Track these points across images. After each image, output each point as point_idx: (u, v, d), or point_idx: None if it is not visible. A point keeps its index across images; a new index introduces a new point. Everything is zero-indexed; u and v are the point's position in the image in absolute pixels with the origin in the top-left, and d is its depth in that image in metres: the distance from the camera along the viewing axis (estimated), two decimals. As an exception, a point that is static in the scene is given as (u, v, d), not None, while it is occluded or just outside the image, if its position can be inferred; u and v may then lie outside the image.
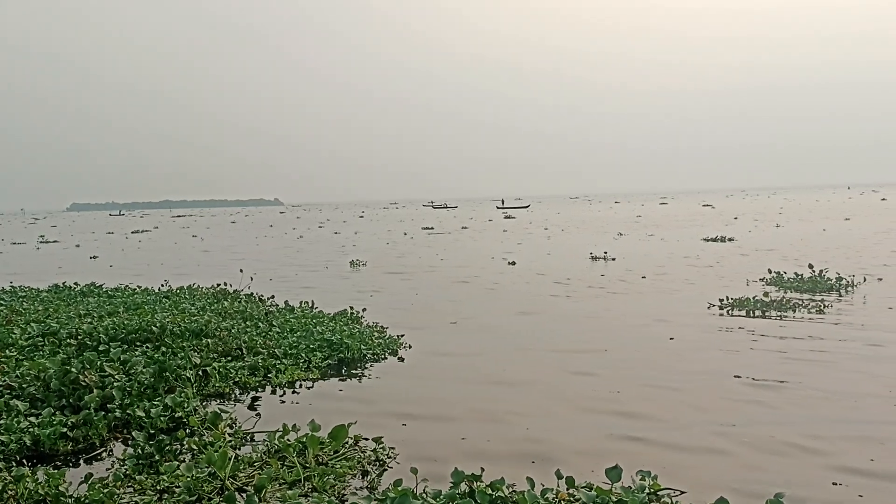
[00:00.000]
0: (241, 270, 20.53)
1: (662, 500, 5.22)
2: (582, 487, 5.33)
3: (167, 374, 8.13)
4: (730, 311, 13.27)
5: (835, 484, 5.60)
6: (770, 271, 17.16)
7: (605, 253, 25.41)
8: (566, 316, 13.74)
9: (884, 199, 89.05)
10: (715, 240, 31.55)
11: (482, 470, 5.41)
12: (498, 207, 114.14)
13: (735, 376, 8.75)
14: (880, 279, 16.86)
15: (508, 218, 72.91)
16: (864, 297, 14.39)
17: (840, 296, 14.71)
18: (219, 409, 7.16)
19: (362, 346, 10.26)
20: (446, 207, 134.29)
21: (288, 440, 6.26)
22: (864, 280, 16.24)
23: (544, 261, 25.24)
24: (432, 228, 54.23)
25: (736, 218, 54.41)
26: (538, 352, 10.62)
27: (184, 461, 5.98)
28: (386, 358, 10.23)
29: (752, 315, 12.80)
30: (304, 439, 6.08)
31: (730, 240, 31.44)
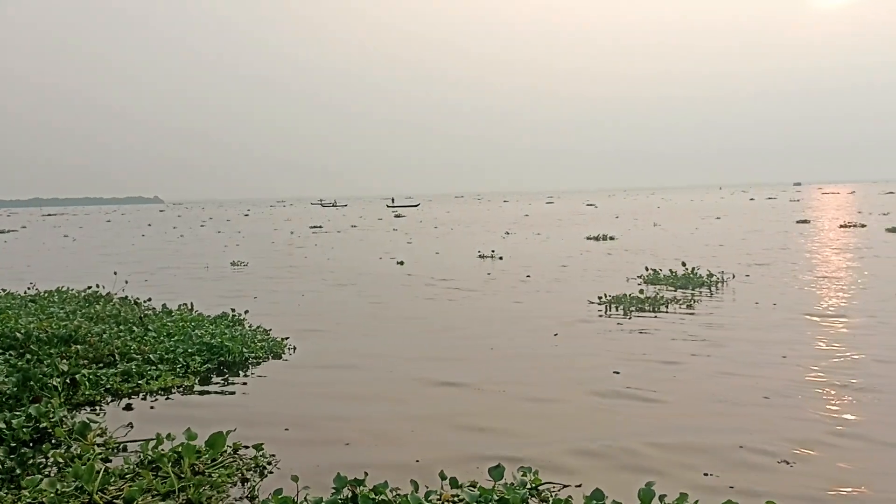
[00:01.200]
0: (116, 273, 19.56)
1: (543, 494, 5.31)
2: (466, 486, 5.35)
3: (31, 382, 7.63)
4: (608, 309, 13.73)
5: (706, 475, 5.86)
6: (647, 269, 17.88)
7: (493, 252, 25.81)
8: (450, 316, 13.81)
9: (752, 199, 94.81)
10: (597, 238, 32.65)
11: (366, 474, 5.33)
12: (388, 206, 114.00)
13: (614, 372, 9.03)
14: (747, 276, 17.88)
15: (399, 217, 72.92)
16: (734, 293, 15.22)
17: (711, 293, 15.49)
18: (88, 418, 6.76)
19: (244, 350, 9.95)
20: (335, 206, 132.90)
21: (162, 450, 5.96)
22: (734, 277, 17.19)
23: (433, 260, 25.36)
24: (321, 227, 53.53)
25: (617, 217, 56.53)
26: (421, 354, 10.63)
27: (49, 475, 5.61)
28: (269, 361, 9.97)
29: (628, 312, 13.29)
30: (180, 448, 5.81)
31: (611, 238, 32.61)
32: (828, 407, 7.48)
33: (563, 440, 6.65)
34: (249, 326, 11.71)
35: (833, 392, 7.98)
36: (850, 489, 5.51)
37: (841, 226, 36.44)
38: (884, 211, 50.97)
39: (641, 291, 14.66)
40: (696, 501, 4.83)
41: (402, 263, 23.71)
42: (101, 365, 8.93)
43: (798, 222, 41.32)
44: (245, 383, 8.91)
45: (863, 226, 35.70)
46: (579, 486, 5.54)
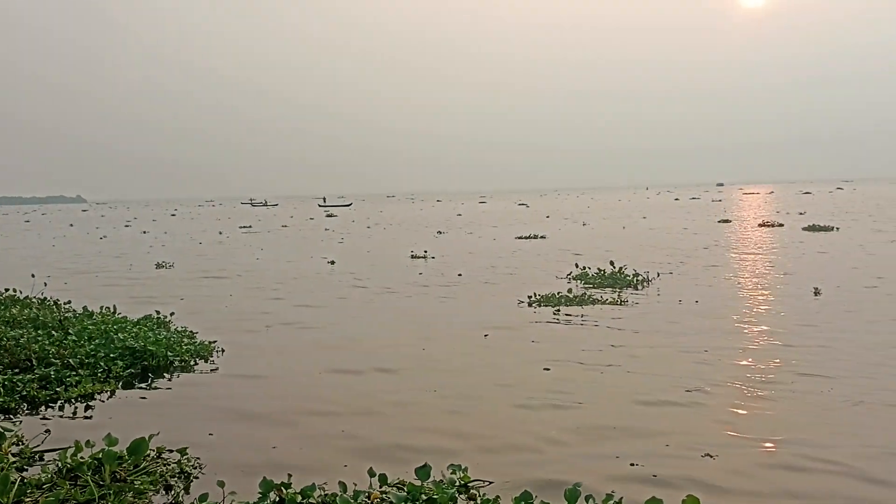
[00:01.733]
0: (34, 275, 18.85)
1: (471, 493, 5.36)
2: (394, 484, 5.37)
3: (-61, 391, 7.28)
4: (537, 308, 13.94)
5: (631, 464, 6.02)
6: (577, 266, 18.21)
7: (426, 251, 25.87)
8: (382, 315, 13.81)
9: (677, 199, 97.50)
10: (528, 237, 33.08)
11: (289, 476, 5.28)
12: (320, 206, 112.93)
13: (545, 369, 9.18)
14: (671, 273, 18.40)
15: (331, 216, 72.36)
16: (659, 291, 15.64)
17: (637, 291, 15.88)
18: (2, 427, 6.49)
19: (169, 353, 9.71)
20: (266, 205, 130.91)
21: (81, 457, 5.78)
22: (658, 275, 17.66)
23: (365, 259, 25.27)
24: (250, 227, 52.67)
25: (548, 216, 57.37)
26: (350, 352, 10.59)
27: (-41, 488, 5.36)
28: (196, 364, 9.77)
29: (557, 311, 13.51)
30: (100, 455, 5.64)
31: (542, 237, 33.08)
32: (749, 402, 7.77)
33: (492, 436, 6.73)
34: (175, 329, 11.43)
35: (753, 387, 8.29)
36: (773, 478, 5.75)
37: (760, 225, 37.82)
38: (800, 210, 53.13)
39: (570, 290, 14.93)
40: (621, 499, 4.95)
41: (333, 263, 23.54)
42: (17, 370, 8.59)
43: (720, 222, 42.71)
44: (170, 388, 8.71)
45: (780, 225, 37.12)
46: (507, 482, 5.61)
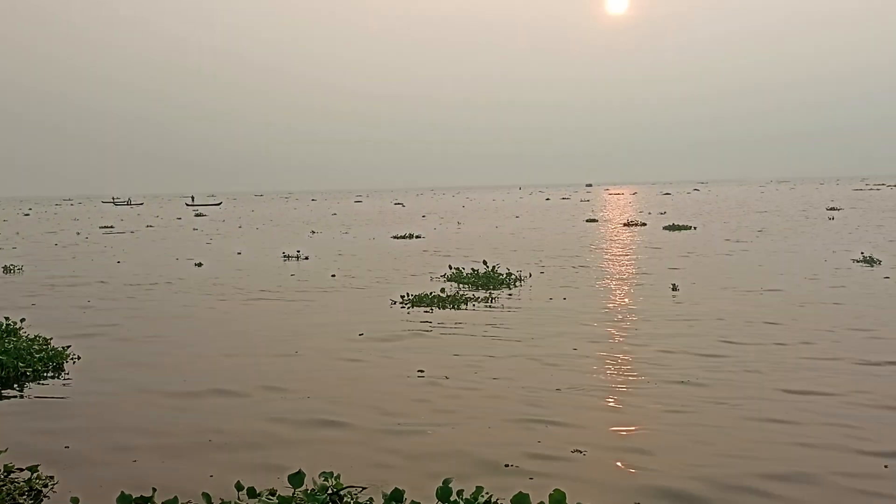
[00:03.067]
0: None
1: (345, 499, 5.28)
2: (265, 495, 5.20)
3: None
4: (411, 308, 13.99)
5: (506, 466, 6.10)
6: (451, 267, 18.38)
7: (299, 251, 25.40)
8: (247, 320, 13.47)
9: (548, 199, 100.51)
10: (404, 237, 33.14)
11: (154, 491, 5.02)
12: (188, 205, 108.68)
13: (418, 371, 9.20)
14: (542, 273, 18.94)
15: (199, 216, 69.78)
16: (531, 290, 16.04)
17: (510, 290, 16.23)
18: None
19: (19, 363, 9.04)
20: (130, 204, 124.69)
21: (-87, 482, 5.27)
22: (530, 275, 18.11)
23: (235, 260, 24.53)
24: (112, 228, 49.89)
25: (424, 216, 57.72)
26: (213, 359, 10.25)
27: None
28: (49, 373, 9.15)
29: (429, 311, 13.61)
30: (-65, 479, 5.17)
31: (418, 237, 33.23)
32: (619, 396, 8.09)
33: (366, 444, 6.67)
34: (26, 336, 10.64)
35: (623, 383, 8.64)
36: (644, 472, 5.99)
37: (625, 224, 39.56)
38: (661, 210, 56.02)
39: (443, 290, 15.07)
40: (490, 496, 5.01)
41: (200, 265, 22.69)
42: None
43: (587, 221, 44.37)
44: (21, 398, 8.11)
45: (644, 224, 38.97)
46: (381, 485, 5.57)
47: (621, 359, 9.66)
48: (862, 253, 20.11)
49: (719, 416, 7.25)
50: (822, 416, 7.20)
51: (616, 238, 30.70)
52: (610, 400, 7.87)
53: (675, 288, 15.58)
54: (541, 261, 21.87)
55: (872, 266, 18.46)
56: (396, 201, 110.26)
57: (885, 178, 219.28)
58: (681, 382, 8.45)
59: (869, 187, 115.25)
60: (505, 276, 17.22)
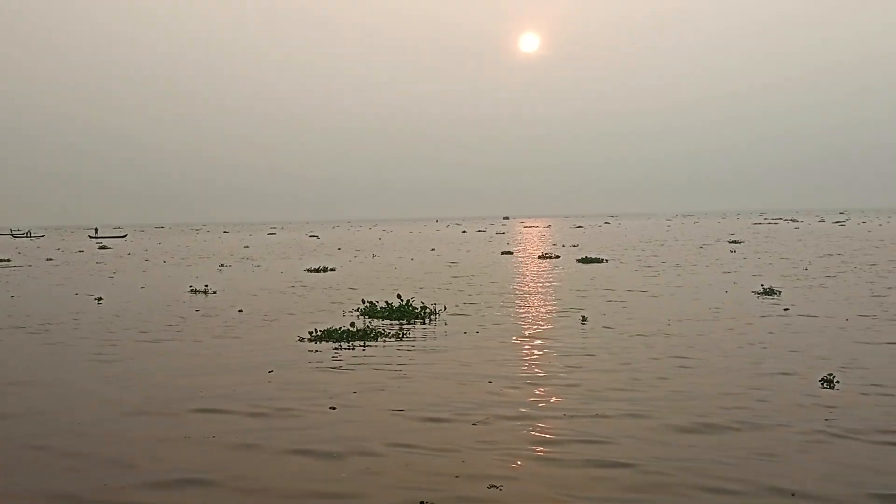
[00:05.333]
0: None
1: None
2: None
3: None
4: (318, 343, 13.54)
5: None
6: (364, 301, 17.98)
7: (207, 286, 24.47)
8: (147, 358, 12.71)
9: (464, 232, 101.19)
10: (318, 270, 32.46)
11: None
12: (91, 237, 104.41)
13: (330, 408, 8.77)
14: (457, 306, 18.74)
15: (103, 248, 66.91)
16: (446, 324, 15.80)
17: (425, 323, 15.95)
18: None
19: None
20: (30, 236, 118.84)
21: None
22: (445, 308, 17.88)
23: (138, 295, 23.41)
24: (9, 261, 47.10)
25: (339, 248, 56.98)
26: (105, 403, 9.54)
27: None
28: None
29: (338, 347, 13.19)
30: None
31: (332, 270, 32.63)
32: (529, 430, 7.87)
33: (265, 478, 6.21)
34: None
35: (537, 415, 8.43)
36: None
37: (540, 257, 39.96)
38: (573, 243, 57.08)
39: (352, 325, 14.68)
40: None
41: (100, 300, 21.53)
42: None
43: (503, 253, 44.65)
44: None
45: (557, 257, 39.46)
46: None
47: (532, 391, 9.49)
48: (762, 285, 20.79)
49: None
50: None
51: (531, 270, 30.91)
52: (524, 429, 7.65)
53: (584, 320, 15.67)
54: (456, 294, 21.70)
55: (772, 296, 19.08)
56: (311, 233, 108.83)
57: (782, 213, 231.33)
58: (594, 416, 8.34)
59: (767, 221, 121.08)
60: (420, 309, 16.94)
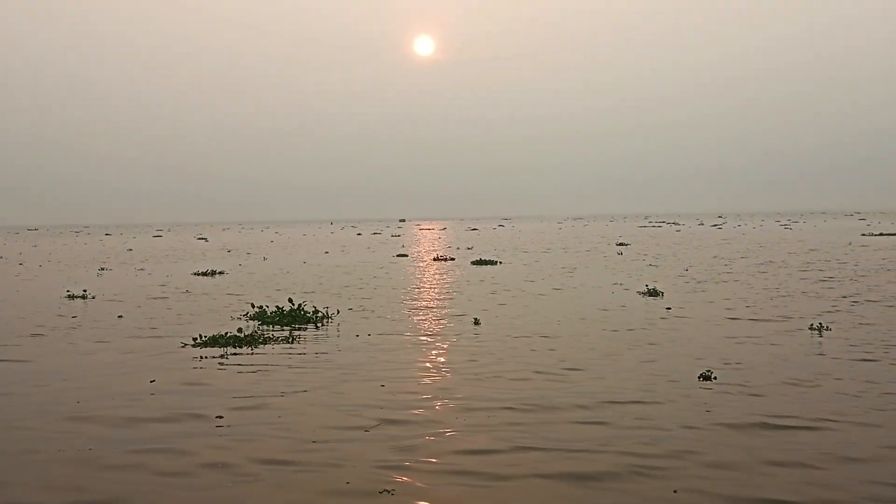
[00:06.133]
0: None
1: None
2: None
3: None
4: (203, 349, 13.09)
5: None
6: (254, 305, 17.50)
7: (85, 291, 23.22)
8: (11, 369, 11.89)
9: (359, 234, 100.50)
10: (206, 273, 31.41)
11: None
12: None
13: (217, 417, 8.46)
14: (351, 309, 18.54)
15: (-29, 251, 62.47)
16: (338, 327, 15.58)
17: (317, 327, 15.67)
18: None
19: None
20: None
21: None
22: (338, 312, 17.64)
23: (10, 301, 21.92)
24: None
25: (229, 251, 55.40)
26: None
27: None
28: None
29: (226, 353, 12.79)
30: None
31: (220, 273, 31.65)
32: (425, 432, 7.82)
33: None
34: None
35: (430, 420, 8.38)
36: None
37: (434, 259, 40.15)
38: (468, 246, 57.69)
39: (240, 330, 14.26)
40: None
41: (-35, 307, 20.03)
42: None
43: (398, 256, 44.59)
44: None
45: (452, 259, 39.75)
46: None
47: (423, 395, 9.46)
48: (647, 286, 21.63)
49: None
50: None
51: (426, 273, 30.98)
52: (415, 435, 7.59)
53: (477, 322, 15.82)
54: (350, 297, 21.47)
55: (655, 297, 19.86)
56: (200, 236, 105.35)
57: (665, 217, 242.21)
58: (484, 422, 8.39)
59: (652, 224, 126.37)
60: (312, 313, 16.64)
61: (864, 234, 61.80)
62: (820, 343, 12.90)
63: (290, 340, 13.95)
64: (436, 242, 68.19)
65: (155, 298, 22.11)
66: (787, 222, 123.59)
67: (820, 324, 14.32)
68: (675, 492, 6.32)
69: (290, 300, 17.61)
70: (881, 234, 60.41)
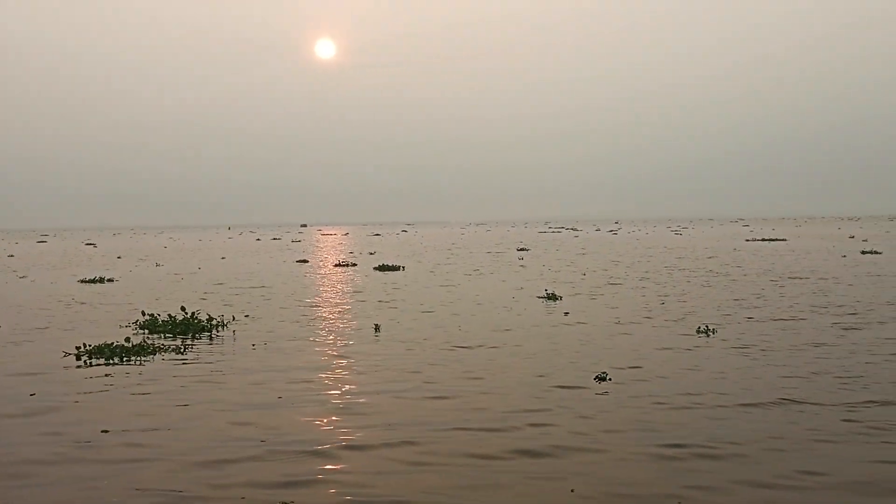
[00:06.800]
0: None
1: None
2: None
3: None
4: (88, 361, 12.41)
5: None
6: (144, 314, 16.74)
7: (-43, 300, 21.65)
8: None
9: (258, 240, 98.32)
10: (94, 281, 29.88)
11: None
12: None
13: (103, 431, 8.00)
14: (248, 316, 18.01)
15: None
16: (234, 336, 15.07)
17: (211, 336, 15.11)
18: None
19: None
20: None
21: None
22: (234, 319, 17.09)
23: None
24: None
25: (120, 257, 53.05)
26: None
27: None
28: None
29: (111, 362, 12.16)
30: None
31: (109, 280, 30.21)
32: (309, 448, 7.61)
33: None
34: None
35: (314, 439, 8.17)
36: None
37: (336, 265, 39.59)
38: (371, 251, 57.32)
39: (128, 339, 13.60)
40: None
41: None
42: None
43: (298, 262, 43.77)
44: None
45: (354, 265, 39.31)
46: None
47: (323, 410, 9.26)
48: (546, 290, 22.02)
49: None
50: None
51: (326, 279, 30.50)
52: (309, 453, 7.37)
53: (377, 329, 15.66)
54: (247, 304, 20.85)
55: (554, 301, 20.25)
56: (88, 241, 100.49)
57: (564, 223, 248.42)
58: (388, 426, 8.27)
59: (552, 230, 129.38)
60: (206, 321, 16.04)
61: (748, 240, 65.20)
62: (708, 344, 13.39)
63: (183, 350, 13.38)
64: (338, 248, 67.44)
65: (37, 307, 20.82)
66: (678, 228, 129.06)
67: (707, 325, 14.91)
68: (572, 490, 6.45)
69: (183, 308, 16.95)
70: (763, 240, 63.94)
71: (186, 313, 16.46)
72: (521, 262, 39.01)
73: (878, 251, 41.28)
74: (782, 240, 63.67)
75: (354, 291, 24.75)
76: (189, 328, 15.65)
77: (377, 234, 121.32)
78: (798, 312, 17.14)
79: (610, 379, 10.50)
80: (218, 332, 15.71)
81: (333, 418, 8.80)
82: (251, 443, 7.81)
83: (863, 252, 40.64)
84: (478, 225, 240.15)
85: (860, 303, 18.60)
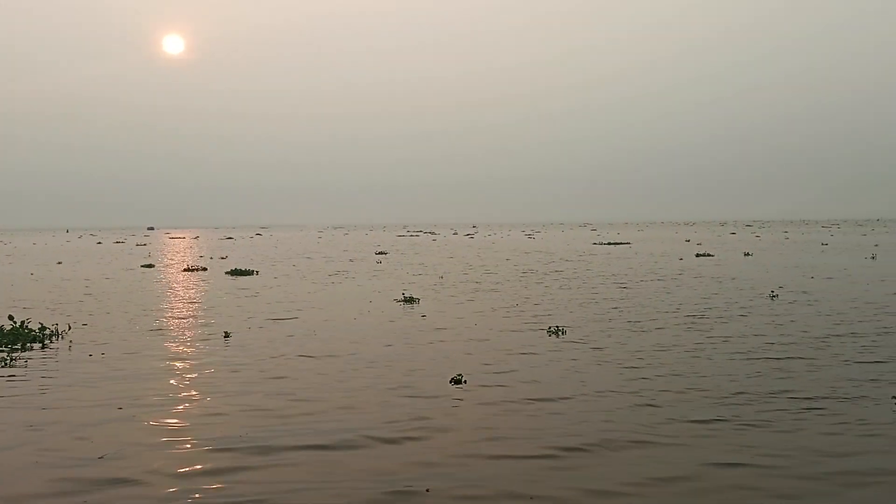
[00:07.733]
0: None
1: None
2: None
3: None
4: None
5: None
6: (-36, 324, 15.27)
7: None
8: None
9: (100, 243, 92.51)
10: None
11: None
12: None
13: None
14: (86, 324, 16.87)
15: None
16: (70, 345, 14.07)
17: (44, 346, 14.02)
18: None
19: None
20: None
21: None
22: (70, 328, 15.94)
23: None
24: None
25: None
26: None
27: None
28: None
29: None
30: None
31: (-76, 289, 27.36)
32: (164, 459, 7.19)
33: None
34: None
35: (172, 443, 7.74)
36: None
37: (185, 269, 37.87)
38: (223, 255, 55.34)
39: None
40: None
41: None
42: None
43: (144, 266, 41.54)
44: None
45: (205, 269, 37.77)
46: None
47: (167, 419, 8.79)
48: (403, 293, 22.11)
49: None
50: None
51: (174, 285, 29.10)
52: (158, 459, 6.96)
53: (227, 336, 15.12)
54: (84, 312, 19.52)
55: (412, 304, 20.37)
56: None
57: (422, 226, 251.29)
58: (240, 436, 7.97)
59: (410, 234, 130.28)
60: (38, 331, 14.85)
61: (595, 244, 68.58)
62: (557, 345, 13.90)
63: (9, 363, 12.27)
64: (187, 252, 64.67)
65: None
66: (531, 232, 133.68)
67: (557, 327, 15.48)
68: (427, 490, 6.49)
69: (11, 317, 15.63)
70: (609, 244, 67.48)
71: (15, 322, 15.18)
72: (380, 266, 39.00)
73: (711, 254, 45.37)
74: (627, 243, 67.48)
75: (205, 297, 23.78)
76: (18, 338, 14.39)
77: (230, 238, 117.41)
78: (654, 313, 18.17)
79: (465, 381, 10.65)
80: (52, 340, 14.62)
81: (176, 425, 8.35)
82: (84, 457, 7.27)
83: (697, 255, 44.44)
84: (335, 228, 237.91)
85: (707, 301, 20.02)
